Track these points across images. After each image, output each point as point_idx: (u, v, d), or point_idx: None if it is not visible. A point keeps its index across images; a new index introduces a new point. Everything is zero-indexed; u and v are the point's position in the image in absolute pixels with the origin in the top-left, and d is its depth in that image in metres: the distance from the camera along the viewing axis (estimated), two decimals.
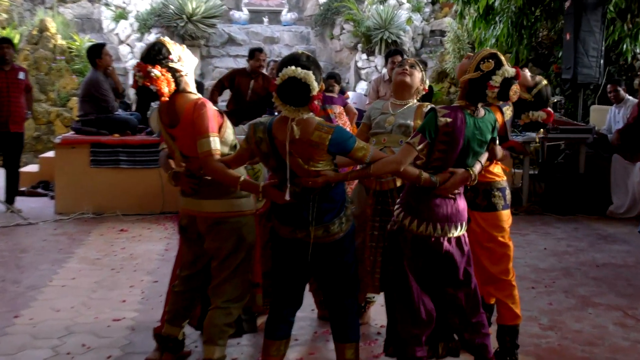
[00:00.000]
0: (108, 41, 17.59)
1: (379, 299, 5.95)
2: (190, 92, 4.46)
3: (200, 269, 4.70)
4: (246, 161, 4.44)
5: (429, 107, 4.42)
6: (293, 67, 4.02)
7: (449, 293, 4.32)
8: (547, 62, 15.16)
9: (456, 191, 4.26)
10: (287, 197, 4.10)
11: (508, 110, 4.87)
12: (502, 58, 4.27)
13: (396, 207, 4.39)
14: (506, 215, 4.90)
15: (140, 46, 17.62)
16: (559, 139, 11.86)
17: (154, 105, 10.34)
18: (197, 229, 4.57)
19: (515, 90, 4.18)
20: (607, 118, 11.91)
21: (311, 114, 4.11)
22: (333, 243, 4.26)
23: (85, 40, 16.53)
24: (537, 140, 10.17)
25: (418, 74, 5.34)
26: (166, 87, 4.29)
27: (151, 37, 17.65)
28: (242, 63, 11.86)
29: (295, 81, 4.00)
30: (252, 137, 4.23)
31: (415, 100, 5.36)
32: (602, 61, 11.82)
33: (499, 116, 4.74)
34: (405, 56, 11.30)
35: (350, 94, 12.54)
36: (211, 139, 4.26)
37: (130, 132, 10.58)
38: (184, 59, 4.47)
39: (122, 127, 10.55)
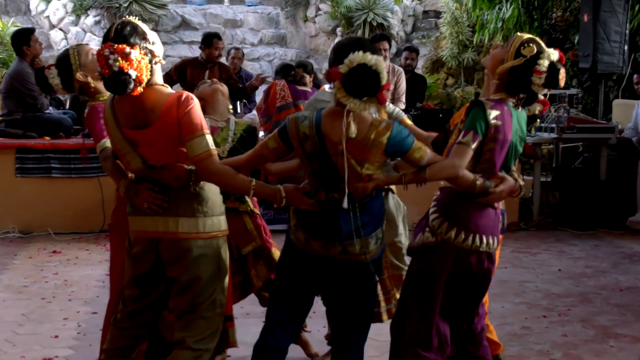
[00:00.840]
0: (37, 25, 17.56)
1: None
2: (163, 85, 4.33)
3: (150, 302, 4.55)
4: (263, 163, 4.49)
5: (471, 100, 4.50)
6: (362, 53, 4.06)
7: (469, 317, 4.51)
8: (562, 48, 15.15)
9: None
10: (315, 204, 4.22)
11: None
12: (541, 42, 4.43)
13: (433, 217, 4.43)
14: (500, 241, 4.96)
15: (75, 31, 17.61)
16: (576, 140, 11.95)
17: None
18: (157, 256, 4.41)
19: (563, 75, 4.35)
20: (633, 114, 11.92)
21: (373, 109, 4.26)
22: (365, 264, 4.31)
23: (9, 25, 16.48)
24: (534, 132, 10.24)
25: None
26: (145, 75, 4.14)
27: (89, 21, 17.66)
28: (198, 51, 11.88)
29: (365, 69, 4.05)
30: (294, 133, 4.22)
31: None
32: (626, 47, 11.93)
33: None
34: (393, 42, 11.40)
35: (326, 87, 12.56)
36: (207, 137, 4.18)
37: (64, 135, 10.56)
38: (158, 44, 4.37)
39: (53, 128, 10.51)
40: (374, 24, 17.82)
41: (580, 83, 13.89)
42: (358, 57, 4.05)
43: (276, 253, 5.44)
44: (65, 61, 5.04)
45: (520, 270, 8.45)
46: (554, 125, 11.16)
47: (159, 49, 4.36)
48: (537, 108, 4.80)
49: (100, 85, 4.87)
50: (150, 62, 4.22)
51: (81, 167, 10.27)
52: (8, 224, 10.16)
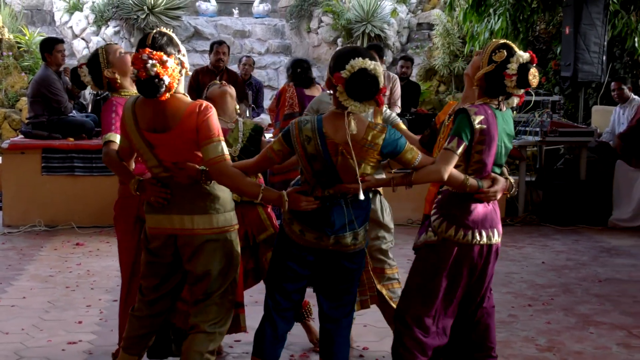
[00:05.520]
0: (61, 35, 17.54)
1: (360, 319, 6.01)
2: (184, 95, 4.36)
3: (167, 291, 4.58)
4: (269, 166, 4.53)
5: (456, 107, 4.50)
6: (361, 59, 4.14)
7: (472, 310, 4.56)
8: (544, 58, 15.26)
9: None
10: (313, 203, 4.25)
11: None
12: (513, 46, 4.44)
13: (434, 217, 4.47)
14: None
15: (96, 41, 17.58)
16: (558, 143, 11.97)
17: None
18: (176, 249, 4.44)
19: (534, 74, 4.35)
20: (611, 119, 11.99)
21: (370, 111, 4.30)
22: (354, 253, 4.40)
23: (36, 35, 16.46)
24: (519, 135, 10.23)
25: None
26: (176, 82, 4.21)
27: (109, 31, 17.64)
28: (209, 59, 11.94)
29: (365, 73, 4.12)
30: (296, 136, 4.24)
31: None
32: (604, 57, 11.94)
33: None
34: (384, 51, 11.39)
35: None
36: (222, 143, 4.23)
37: (86, 136, 10.57)
38: (186, 55, 4.43)
39: (77, 130, 10.52)
40: (372, 35, 17.80)
41: (562, 90, 13.88)
42: (358, 62, 4.11)
43: None
44: (94, 60, 5.16)
45: (506, 263, 8.45)
46: (538, 129, 11.25)
47: (186, 60, 4.42)
48: (514, 101, 4.78)
49: (125, 82, 5.01)
50: (180, 72, 4.27)
51: (102, 166, 10.22)
52: (35, 218, 10.17)
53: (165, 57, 4.13)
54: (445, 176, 4.22)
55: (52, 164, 10.28)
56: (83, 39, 17.93)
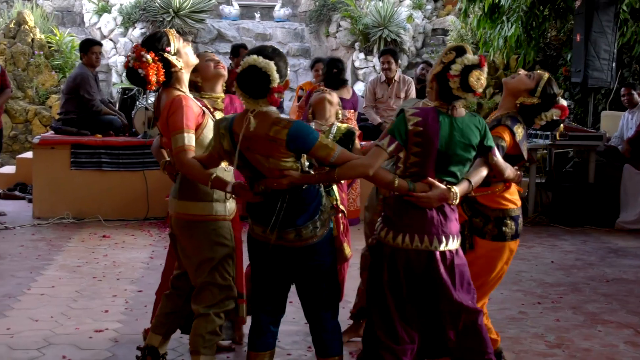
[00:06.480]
0: (90, 35, 17.58)
1: None
2: (178, 89, 4.58)
3: (185, 271, 4.77)
4: (218, 160, 4.41)
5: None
6: (255, 56, 4.08)
7: (443, 311, 4.20)
8: (555, 64, 15.24)
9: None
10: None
11: (519, 129, 4.70)
12: (468, 48, 4.25)
13: (378, 220, 4.36)
14: (514, 245, 4.84)
15: (124, 42, 17.63)
16: (568, 146, 11.93)
17: (139, 105, 10.46)
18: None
19: (477, 76, 4.10)
20: (620, 124, 11.95)
21: (271, 107, 4.14)
22: (306, 248, 4.27)
23: (65, 35, 16.52)
24: (559, 136, 10.21)
25: None
26: (154, 76, 4.44)
27: (136, 33, 17.67)
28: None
29: (255, 70, 4.05)
30: (216, 134, 4.28)
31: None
32: (614, 64, 11.89)
33: (507, 135, 4.61)
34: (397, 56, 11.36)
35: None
36: (185, 134, 4.36)
37: (114, 133, 10.62)
38: (183, 56, 4.62)
39: (105, 127, 10.59)
40: (388, 39, 17.77)
41: (572, 96, 13.86)
42: (251, 59, 4.09)
43: (347, 249, 5.38)
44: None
45: (517, 262, 8.40)
46: (548, 132, 11.17)
47: (184, 61, 4.67)
48: (554, 114, 4.73)
49: (206, 85, 5.10)
50: (166, 67, 4.55)
51: (128, 161, 10.33)
52: (63, 211, 10.20)
53: (143, 53, 4.46)
54: (371, 172, 4.07)
55: (80, 159, 10.31)
56: (111, 39, 17.96)
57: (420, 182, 4.13)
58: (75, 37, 16.74)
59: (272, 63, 4.06)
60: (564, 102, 4.89)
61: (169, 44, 4.54)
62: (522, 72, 4.90)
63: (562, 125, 4.95)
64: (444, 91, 4.19)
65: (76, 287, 7.09)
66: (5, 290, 6.93)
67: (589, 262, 8.76)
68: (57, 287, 7.08)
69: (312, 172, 4.24)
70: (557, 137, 10.04)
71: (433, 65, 4.49)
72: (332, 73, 9.26)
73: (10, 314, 6.27)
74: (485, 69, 4.17)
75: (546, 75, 4.77)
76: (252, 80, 4.06)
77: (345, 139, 5.42)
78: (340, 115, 5.59)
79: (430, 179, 4.14)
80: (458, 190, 4.19)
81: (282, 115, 4.18)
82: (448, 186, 4.16)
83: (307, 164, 4.25)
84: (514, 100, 4.80)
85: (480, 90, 4.16)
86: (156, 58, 4.46)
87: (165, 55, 4.52)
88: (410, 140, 4.12)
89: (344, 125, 5.63)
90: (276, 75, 4.06)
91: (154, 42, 4.53)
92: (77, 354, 5.40)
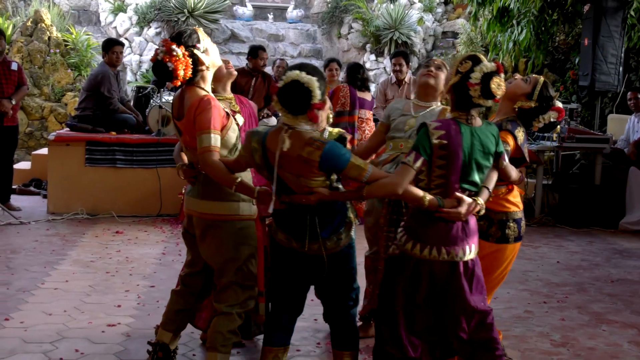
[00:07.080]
0: (105, 35, 17.64)
1: None
2: (202, 89, 4.46)
3: (200, 269, 4.73)
4: (244, 168, 4.40)
5: (420, 122, 4.37)
6: (297, 71, 4.03)
7: (457, 318, 4.20)
8: (563, 67, 15.20)
9: None
10: (271, 210, 4.15)
11: (519, 133, 4.72)
12: (482, 57, 4.24)
13: (399, 230, 4.34)
14: (517, 247, 4.85)
15: (139, 41, 17.68)
16: (575, 149, 11.90)
17: (153, 103, 10.47)
18: (194, 230, 4.62)
19: (498, 83, 4.11)
20: (626, 127, 11.92)
21: (307, 127, 4.09)
22: (330, 256, 4.26)
23: (82, 34, 16.56)
24: (555, 138, 10.19)
25: (444, 76, 5.26)
26: (182, 70, 4.31)
27: (150, 32, 17.72)
28: (245, 61, 11.90)
29: (297, 85, 4.01)
30: (247, 146, 4.24)
31: (439, 103, 5.35)
32: (621, 68, 11.85)
33: (510, 140, 4.63)
34: (414, 58, 11.36)
35: None
36: (212, 135, 4.28)
37: (128, 131, 10.64)
38: (211, 54, 4.53)
39: (119, 125, 10.62)
40: (399, 41, 17.79)
41: (579, 99, 13.81)
42: (293, 74, 4.04)
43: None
44: None
45: (523, 262, 8.39)
46: (555, 135, 11.16)
47: (210, 60, 4.53)
48: (551, 116, 4.75)
49: (218, 87, 5.08)
50: (194, 64, 4.40)
51: (142, 159, 10.34)
52: (77, 207, 10.21)
53: (174, 46, 4.30)
54: (400, 190, 4.04)
55: (95, 156, 10.32)
56: (126, 38, 18.01)
57: (448, 199, 4.12)
58: (91, 36, 16.80)
59: (314, 79, 4.02)
60: (559, 104, 4.90)
61: (199, 41, 4.43)
62: (518, 76, 4.93)
63: (558, 126, 4.96)
64: (463, 100, 4.19)
65: (89, 282, 7.09)
66: (19, 284, 6.94)
67: (594, 263, 8.73)
68: (70, 281, 7.08)
69: (341, 188, 4.24)
70: (554, 138, 10.04)
71: (446, 78, 4.47)
72: (358, 76, 9.54)
73: (24, 307, 6.27)
74: (503, 75, 4.18)
75: (542, 79, 4.82)
76: (293, 95, 4.01)
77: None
78: (331, 119, 5.60)
79: (458, 194, 4.14)
80: (482, 201, 4.23)
81: (315, 133, 4.13)
82: (473, 198, 4.19)
83: (335, 177, 4.22)
84: (511, 105, 4.83)
85: (501, 95, 4.18)
86: (186, 53, 4.33)
87: (195, 51, 4.40)
88: (435, 154, 4.10)
89: (336, 130, 5.61)
90: (318, 92, 4.02)
91: (185, 38, 4.40)
92: (90, 347, 5.40)
